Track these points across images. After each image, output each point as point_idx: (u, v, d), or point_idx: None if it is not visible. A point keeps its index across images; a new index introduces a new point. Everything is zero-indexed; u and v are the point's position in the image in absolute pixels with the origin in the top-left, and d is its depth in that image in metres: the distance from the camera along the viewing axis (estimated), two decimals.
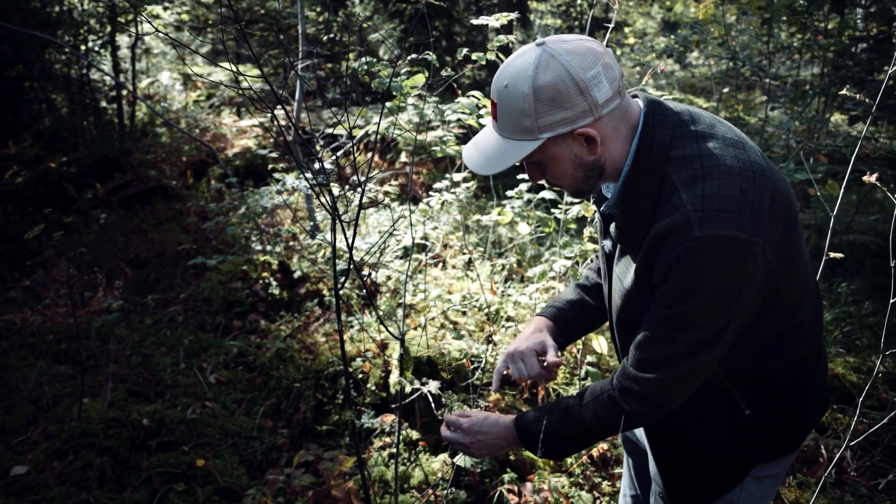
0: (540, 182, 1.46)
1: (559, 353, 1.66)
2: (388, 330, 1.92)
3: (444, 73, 2.41)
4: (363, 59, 2.47)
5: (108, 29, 6.89)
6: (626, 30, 11.31)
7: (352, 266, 1.65)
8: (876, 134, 5.45)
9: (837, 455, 1.96)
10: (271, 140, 7.26)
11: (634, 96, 1.39)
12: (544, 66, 1.24)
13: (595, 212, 1.67)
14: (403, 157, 6.68)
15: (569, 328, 1.76)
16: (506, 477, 2.69)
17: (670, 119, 1.32)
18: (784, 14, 4.61)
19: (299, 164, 2.61)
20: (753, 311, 1.31)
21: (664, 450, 1.56)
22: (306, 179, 1.80)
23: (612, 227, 1.42)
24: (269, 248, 4.45)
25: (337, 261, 4.16)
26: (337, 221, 1.70)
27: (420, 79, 2.39)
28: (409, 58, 2.52)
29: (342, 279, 1.82)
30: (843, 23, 4.81)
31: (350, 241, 1.68)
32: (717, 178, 1.23)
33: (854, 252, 4.68)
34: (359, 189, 1.69)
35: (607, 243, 1.52)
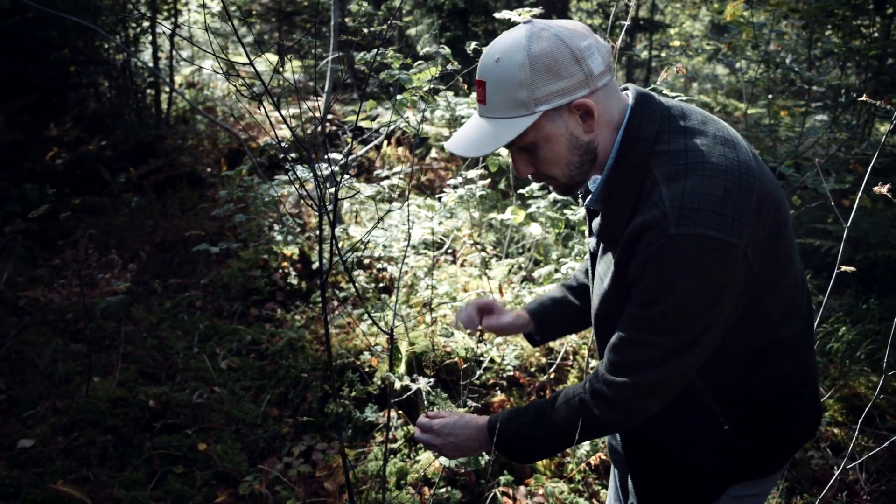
0: (527, 177, 1.39)
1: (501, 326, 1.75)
2: (378, 326, 1.91)
3: (449, 66, 2.37)
4: (374, 51, 2.46)
5: (148, 15, 7.03)
6: (672, 31, 11.07)
7: (332, 259, 1.64)
8: None
9: (837, 473, 1.88)
10: (308, 131, 7.31)
11: (625, 89, 1.34)
12: (537, 36, 1.21)
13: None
14: (434, 153, 6.66)
15: (547, 325, 1.75)
16: (502, 479, 2.66)
17: (658, 112, 1.27)
18: (818, 16, 4.42)
19: (320, 154, 2.62)
20: (734, 320, 1.25)
21: (638, 454, 1.51)
22: (298, 171, 1.80)
23: (595, 222, 1.37)
24: (289, 237, 4.48)
25: (354, 254, 4.16)
26: (324, 214, 1.69)
27: (428, 73, 2.36)
28: (441, 51, 2.49)
29: (329, 270, 1.80)
30: (887, 26, 4.60)
31: (331, 232, 1.67)
32: (700, 175, 1.18)
33: (890, 267, 4.50)
34: (344, 179, 1.68)
35: (591, 241, 1.48)
